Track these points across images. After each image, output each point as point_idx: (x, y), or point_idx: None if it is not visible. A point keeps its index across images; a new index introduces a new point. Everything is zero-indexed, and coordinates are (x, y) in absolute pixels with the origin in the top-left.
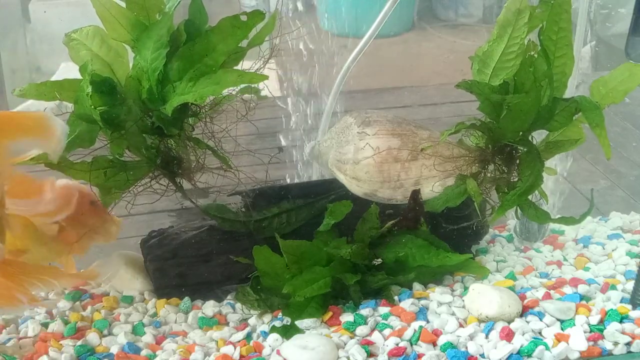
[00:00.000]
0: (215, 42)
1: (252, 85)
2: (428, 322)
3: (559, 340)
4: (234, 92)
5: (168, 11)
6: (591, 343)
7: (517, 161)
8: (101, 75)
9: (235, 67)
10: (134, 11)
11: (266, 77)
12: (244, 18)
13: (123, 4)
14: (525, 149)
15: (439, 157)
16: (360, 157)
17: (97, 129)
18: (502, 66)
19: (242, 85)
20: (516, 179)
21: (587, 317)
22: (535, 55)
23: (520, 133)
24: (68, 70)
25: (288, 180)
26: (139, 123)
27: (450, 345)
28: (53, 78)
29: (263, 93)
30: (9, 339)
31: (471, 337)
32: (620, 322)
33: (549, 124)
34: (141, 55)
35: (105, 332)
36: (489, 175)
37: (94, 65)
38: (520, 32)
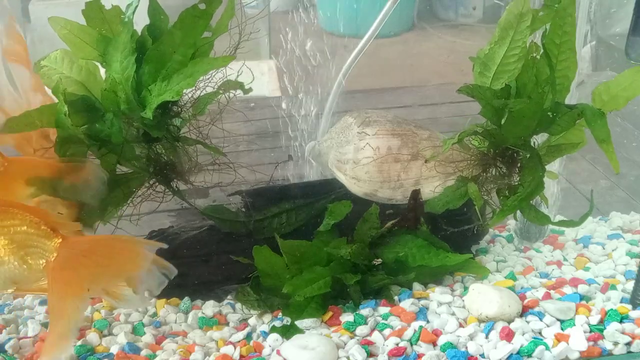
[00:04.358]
0: (181, 37)
1: (237, 81)
2: (428, 322)
3: (559, 340)
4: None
5: (127, 20)
6: (591, 343)
7: (519, 164)
8: (76, 94)
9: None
10: (96, 27)
11: (233, 58)
12: (202, 6)
13: (84, 22)
14: (527, 154)
15: (440, 160)
16: (360, 157)
17: (85, 148)
18: (503, 69)
19: (225, 80)
20: (517, 182)
21: (587, 317)
22: (538, 57)
23: (522, 137)
24: None
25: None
26: (124, 134)
27: (450, 345)
28: None
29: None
30: (9, 339)
31: (471, 337)
32: (620, 322)
33: (551, 128)
34: (111, 68)
35: (105, 332)
36: (490, 178)
37: (69, 88)
38: (522, 35)
